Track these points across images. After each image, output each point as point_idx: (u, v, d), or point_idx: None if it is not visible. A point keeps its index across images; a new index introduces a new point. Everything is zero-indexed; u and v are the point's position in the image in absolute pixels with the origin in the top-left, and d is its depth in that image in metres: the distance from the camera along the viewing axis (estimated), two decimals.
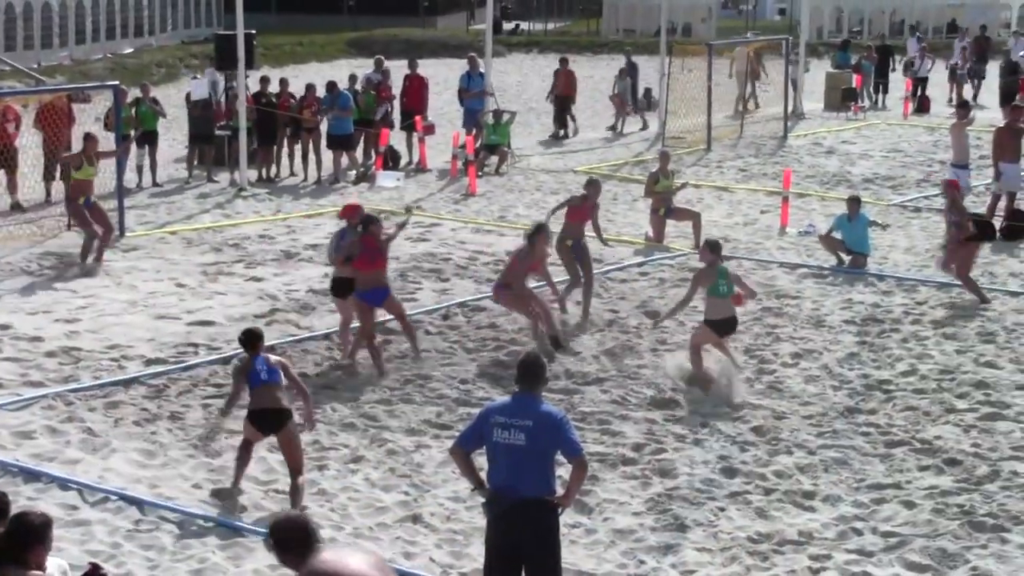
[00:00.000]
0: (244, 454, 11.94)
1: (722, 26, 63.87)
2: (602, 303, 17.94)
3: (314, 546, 6.93)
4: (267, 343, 15.61)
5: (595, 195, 18.08)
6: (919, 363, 15.55)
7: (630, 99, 35.41)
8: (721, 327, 14.92)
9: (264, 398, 11.75)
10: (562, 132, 33.52)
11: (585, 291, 17.34)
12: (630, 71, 35.68)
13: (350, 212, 15.88)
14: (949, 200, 18.92)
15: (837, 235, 20.02)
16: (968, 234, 18.34)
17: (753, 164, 29.30)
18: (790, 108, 34.47)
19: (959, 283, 18.27)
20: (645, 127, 34.48)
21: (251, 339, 12.07)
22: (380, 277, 15.25)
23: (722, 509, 11.65)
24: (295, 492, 11.58)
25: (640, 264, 20.15)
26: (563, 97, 33.89)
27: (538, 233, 16.20)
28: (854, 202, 20.16)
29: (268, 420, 11.73)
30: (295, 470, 11.70)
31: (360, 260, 15.04)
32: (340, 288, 15.55)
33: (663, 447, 13.03)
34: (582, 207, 17.81)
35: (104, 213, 19.94)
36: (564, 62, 35.08)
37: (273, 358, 12.15)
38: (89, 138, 20.18)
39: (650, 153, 29.53)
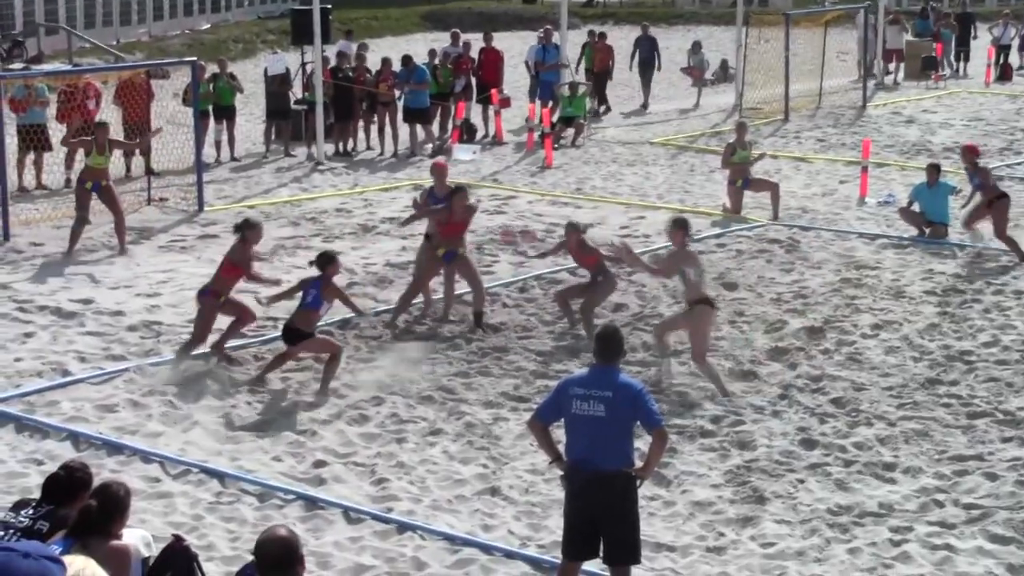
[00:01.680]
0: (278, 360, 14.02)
1: None
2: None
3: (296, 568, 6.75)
4: (345, 317, 15.80)
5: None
6: (1001, 334, 15.35)
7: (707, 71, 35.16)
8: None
9: (297, 317, 13.83)
10: (602, 108, 32.54)
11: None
12: (648, 42, 33.80)
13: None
14: (969, 165, 19.34)
15: (916, 207, 19.80)
16: (993, 195, 18.78)
17: (831, 134, 29.01)
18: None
19: (995, 245, 18.37)
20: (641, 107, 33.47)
21: (323, 261, 14.04)
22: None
23: (801, 481, 11.57)
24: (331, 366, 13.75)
25: (718, 236, 20.02)
26: (600, 73, 32.26)
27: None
28: (934, 169, 19.93)
29: (291, 335, 13.82)
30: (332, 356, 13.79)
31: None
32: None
33: (741, 419, 12.96)
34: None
35: (117, 199, 19.51)
36: (597, 35, 33.46)
37: (334, 286, 14.06)
38: (100, 127, 19.93)
39: (727, 124, 29.31)
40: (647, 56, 33.63)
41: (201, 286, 14.80)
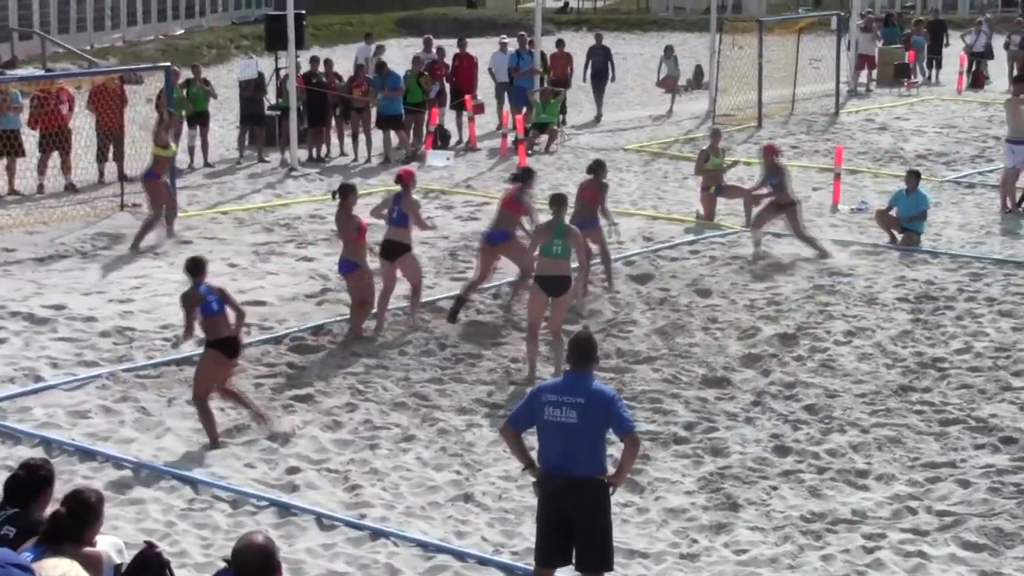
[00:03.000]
0: (208, 414, 12.54)
1: (773, 2, 63.45)
2: (653, 282, 17.89)
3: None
4: (318, 323, 15.80)
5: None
6: (974, 340, 15.41)
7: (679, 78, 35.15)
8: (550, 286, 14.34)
9: (223, 326, 12.52)
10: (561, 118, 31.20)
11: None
12: (601, 52, 32.89)
13: (408, 176, 16.35)
14: (768, 164, 19.71)
15: (893, 212, 19.89)
16: (786, 200, 19.29)
17: (805, 141, 29.10)
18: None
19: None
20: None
21: (198, 266, 12.70)
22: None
23: (774, 488, 11.59)
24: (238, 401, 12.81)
25: (691, 242, 20.06)
26: (557, 82, 30.66)
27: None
28: (913, 176, 20.03)
29: (232, 346, 12.56)
30: (229, 387, 12.78)
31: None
32: (389, 251, 15.83)
33: (715, 426, 12.99)
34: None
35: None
36: (556, 43, 32.57)
37: (215, 285, 12.77)
38: (172, 116, 20.32)
39: (701, 131, 29.38)
40: (600, 67, 32.81)
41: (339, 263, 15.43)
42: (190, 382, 13.88)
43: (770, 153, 19.85)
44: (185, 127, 25.86)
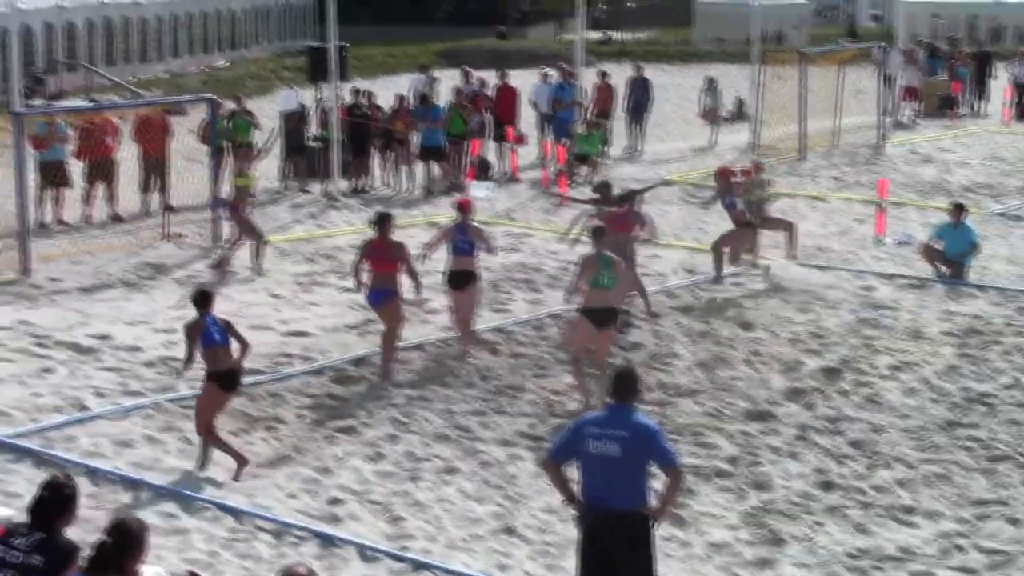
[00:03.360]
0: (217, 439, 12.61)
1: (815, 33, 63.32)
2: (695, 315, 17.84)
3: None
4: (360, 353, 15.82)
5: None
6: (1022, 376, 15.29)
7: (720, 108, 35.10)
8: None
9: (223, 359, 12.52)
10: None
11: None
12: (641, 84, 32.58)
13: (468, 205, 16.62)
14: (723, 186, 20.40)
15: (939, 245, 19.78)
16: (742, 221, 19.71)
17: (848, 173, 29.00)
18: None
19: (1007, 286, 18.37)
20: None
21: (205, 298, 12.72)
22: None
23: (819, 524, 11.52)
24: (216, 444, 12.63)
25: (734, 275, 19.99)
26: (600, 113, 31.01)
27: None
28: (958, 209, 19.91)
29: (230, 379, 12.55)
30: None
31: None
32: (460, 280, 15.97)
33: (758, 460, 12.92)
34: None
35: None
36: (599, 75, 32.51)
37: (221, 318, 12.76)
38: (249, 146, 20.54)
39: (742, 162, 29.30)
40: (640, 99, 32.52)
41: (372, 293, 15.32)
42: (234, 412, 13.94)
43: (723, 176, 20.46)
44: (228, 158, 25.96)
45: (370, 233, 15.89)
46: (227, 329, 12.67)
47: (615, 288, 14.44)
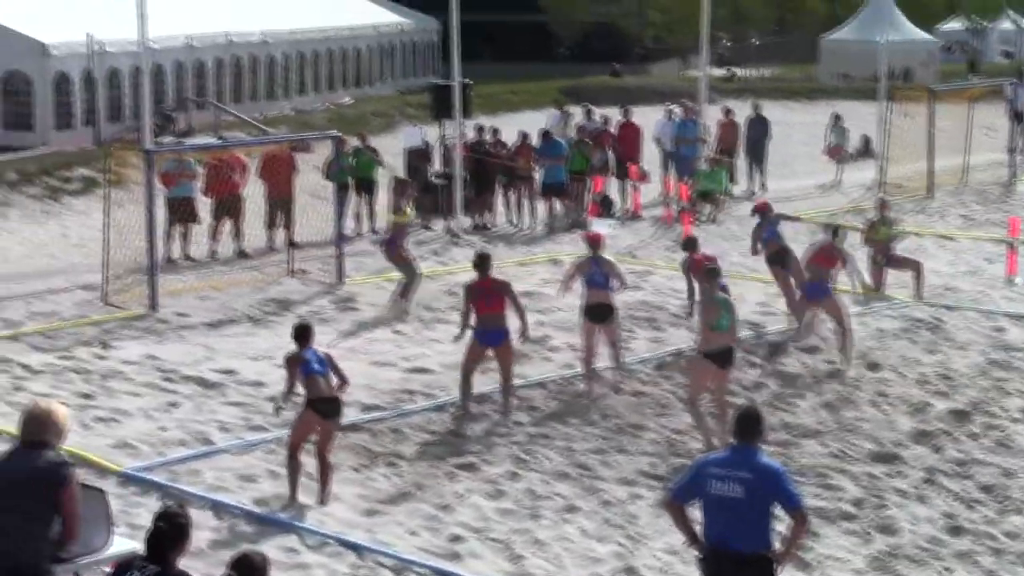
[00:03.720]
0: (295, 463, 12.68)
1: (944, 70, 62.51)
2: (820, 355, 17.62)
3: None
4: (481, 391, 15.84)
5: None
6: None
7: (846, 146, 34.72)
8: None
9: (322, 386, 12.64)
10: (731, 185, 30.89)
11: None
12: (759, 123, 32.13)
13: (599, 239, 16.74)
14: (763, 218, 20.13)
15: None
16: (776, 248, 19.52)
17: (977, 211, 28.53)
18: None
19: None
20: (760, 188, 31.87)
21: (304, 332, 12.91)
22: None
23: (948, 570, 11.28)
24: (326, 475, 12.70)
25: (859, 314, 19.72)
26: (725, 150, 30.83)
27: None
28: None
29: (330, 407, 12.65)
30: (326, 454, 12.74)
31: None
32: (599, 314, 16.00)
33: (884, 503, 12.70)
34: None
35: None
36: (724, 112, 32.47)
37: (321, 350, 12.91)
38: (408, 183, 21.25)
39: (868, 201, 28.94)
40: (757, 138, 31.94)
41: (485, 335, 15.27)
42: (356, 448, 14.04)
43: (762, 209, 20.23)
44: (352, 195, 26.22)
45: (472, 275, 15.78)
46: (328, 362, 12.80)
47: (732, 329, 14.37)
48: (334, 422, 12.85)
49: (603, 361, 16.48)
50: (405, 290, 20.28)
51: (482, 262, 15.59)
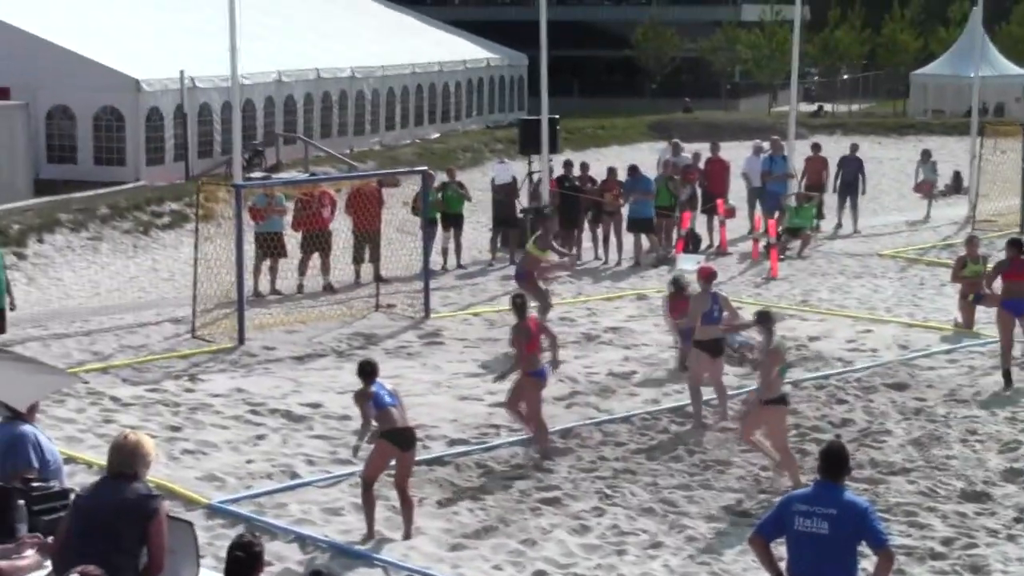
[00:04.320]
0: (370, 497, 12.73)
1: None
2: (909, 391, 17.44)
3: None
4: (567, 425, 15.83)
5: None
6: None
7: (936, 182, 34.38)
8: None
9: (396, 418, 12.67)
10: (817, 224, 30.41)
11: None
12: (853, 163, 31.13)
13: (707, 273, 16.82)
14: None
15: None
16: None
17: None
18: None
19: None
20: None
21: (371, 369, 12.89)
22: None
23: None
24: (408, 508, 12.77)
25: (948, 351, 19.51)
26: (812, 186, 30.49)
27: None
28: None
29: (405, 437, 12.68)
30: (405, 488, 12.78)
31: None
32: (717, 349, 16.24)
33: (974, 542, 12.51)
34: None
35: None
36: (812, 147, 32.11)
37: (388, 384, 12.97)
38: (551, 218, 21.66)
39: (958, 237, 28.66)
40: (850, 179, 31.10)
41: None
42: (441, 482, 14.07)
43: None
44: (440, 229, 26.34)
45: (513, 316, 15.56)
46: (395, 395, 12.92)
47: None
48: (410, 453, 12.89)
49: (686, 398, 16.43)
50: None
51: (522, 306, 15.49)
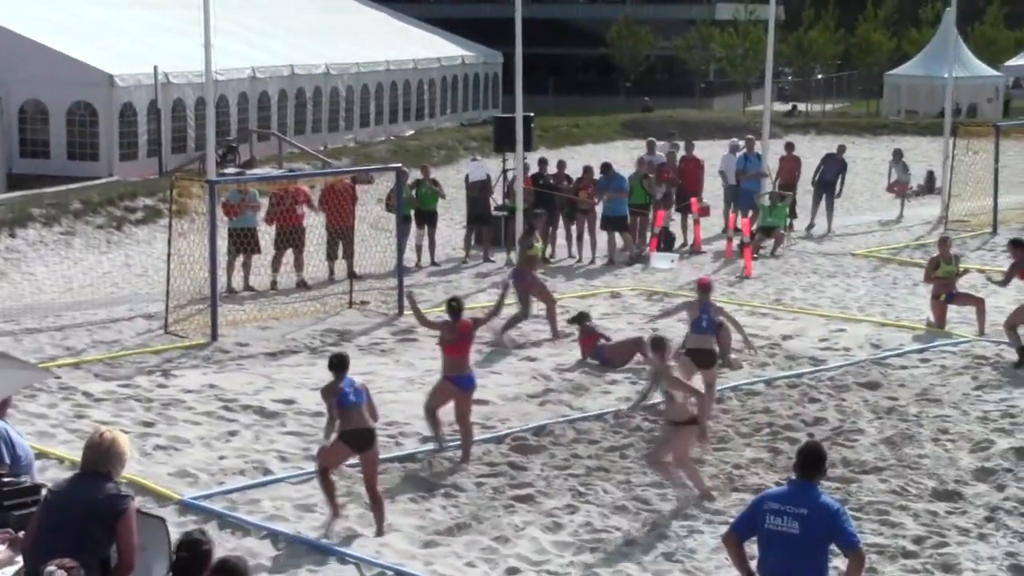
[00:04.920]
0: (327, 482, 12.82)
1: (1011, 106, 62.10)
2: (881, 390, 17.50)
3: None
4: (540, 423, 15.83)
5: None
6: None
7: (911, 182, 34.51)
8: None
9: (355, 418, 12.67)
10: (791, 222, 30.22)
11: None
12: (836, 164, 31.10)
13: (703, 284, 17.12)
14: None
15: None
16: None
17: None
18: None
19: None
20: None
21: (341, 362, 12.93)
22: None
23: None
24: (378, 506, 12.73)
25: (921, 351, 19.58)
26: (786, 184, 30.26)
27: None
28: None
29: (363, 439, 12.69)
30: (374, 486, 12.77)
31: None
32: (706, 360, 15.74)
33: (945, 541, 12.56)
34: None
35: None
36: (785, 147, 32.00)
37: (358, 380, 13.01)
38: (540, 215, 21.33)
39: (931, 237, 28.77)
40: (830, 178, 31.02)
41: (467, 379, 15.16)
42: (414, 480, 14.06)
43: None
44: (413, 226, 26.32)
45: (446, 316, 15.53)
46: (364, 392, 12.91)
47: None
48: (370, 453, 12.86)
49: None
50: (510, 323, 20.24)
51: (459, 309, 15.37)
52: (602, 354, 18.82)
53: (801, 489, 8.95)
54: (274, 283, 24.07)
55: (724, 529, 10.06)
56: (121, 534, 8.22)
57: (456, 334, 15.06)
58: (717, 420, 16.29)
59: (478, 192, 27.68)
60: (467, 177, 28.83)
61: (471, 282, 25.02)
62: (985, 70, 62.09)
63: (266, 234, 24.25)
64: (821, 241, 29.64)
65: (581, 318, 19.52)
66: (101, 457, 8.41)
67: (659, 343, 13.89)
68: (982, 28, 69.28)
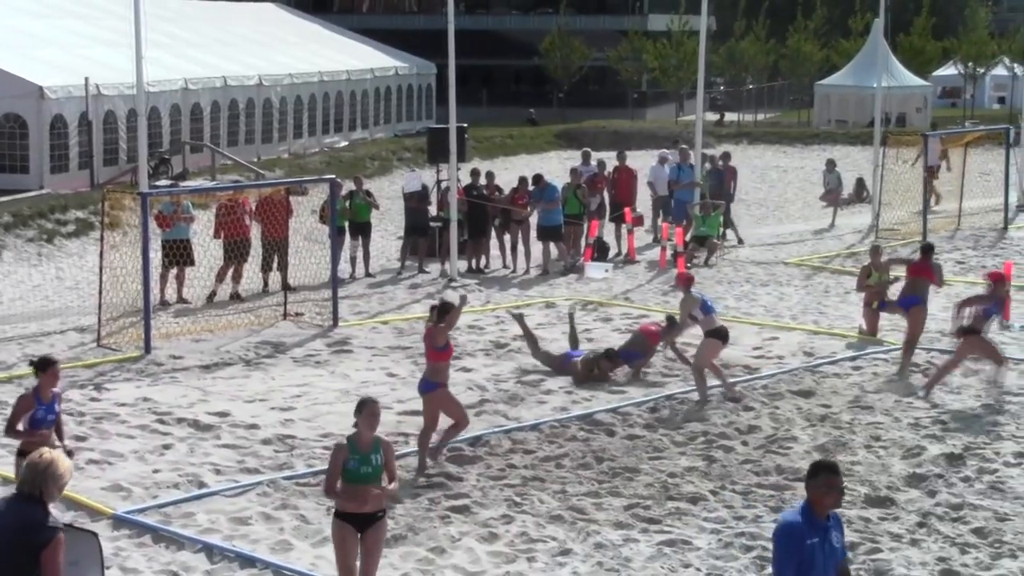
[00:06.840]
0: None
1: (939, 116, 62.83)
2: (814, 398, 17.63)
3: None
4: (476, 433, 15.82)
5: None
6: None
7: (842, 191, 34.83)
8: None
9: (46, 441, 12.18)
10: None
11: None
12: (718, 174, 30.56)
13: (686, 278, 18.32)
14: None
15: None
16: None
17: (971, 256, 28.59)
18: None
19: None
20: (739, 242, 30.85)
21: (42, 365, 12.54)
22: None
23: None
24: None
25: (853, 358, 19.75)
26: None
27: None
28: None
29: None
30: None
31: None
32: (724, 335, 17.75)
33: (878, 546, 12.66)
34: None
35: None
36: (720, 157, 31.65)
37: (56, 394, 12.62)
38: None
39: (863, 245, 29.04)
40: (715, 188, 30.16)
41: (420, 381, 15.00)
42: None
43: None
44: (348, 238, 26.27)
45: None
46: (58, 402, 12.69)
47: None
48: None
49: (597, 404, 16.48)
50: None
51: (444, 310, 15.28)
52: (632, 355, 19.04)
53: None
54: (214, 294, 23.91)
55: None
56: (45, 564, 8.10)
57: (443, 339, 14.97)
58: (652, 429, 16.38)
59: (416, 203, 27.66)
60: (403, 188, 28.81)
61: (406, 293, 25.00)
62: (913, 80, 62.82)
63: (199, 246, 24.10)
64: (754, 249, 29.78)
65: (609, 355, 18.93)
66: (37, 478, 8.29)
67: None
68: (910, 39, 70.04)
